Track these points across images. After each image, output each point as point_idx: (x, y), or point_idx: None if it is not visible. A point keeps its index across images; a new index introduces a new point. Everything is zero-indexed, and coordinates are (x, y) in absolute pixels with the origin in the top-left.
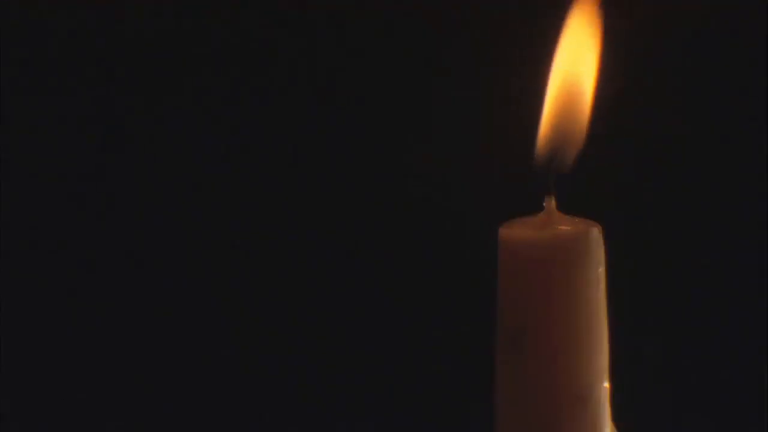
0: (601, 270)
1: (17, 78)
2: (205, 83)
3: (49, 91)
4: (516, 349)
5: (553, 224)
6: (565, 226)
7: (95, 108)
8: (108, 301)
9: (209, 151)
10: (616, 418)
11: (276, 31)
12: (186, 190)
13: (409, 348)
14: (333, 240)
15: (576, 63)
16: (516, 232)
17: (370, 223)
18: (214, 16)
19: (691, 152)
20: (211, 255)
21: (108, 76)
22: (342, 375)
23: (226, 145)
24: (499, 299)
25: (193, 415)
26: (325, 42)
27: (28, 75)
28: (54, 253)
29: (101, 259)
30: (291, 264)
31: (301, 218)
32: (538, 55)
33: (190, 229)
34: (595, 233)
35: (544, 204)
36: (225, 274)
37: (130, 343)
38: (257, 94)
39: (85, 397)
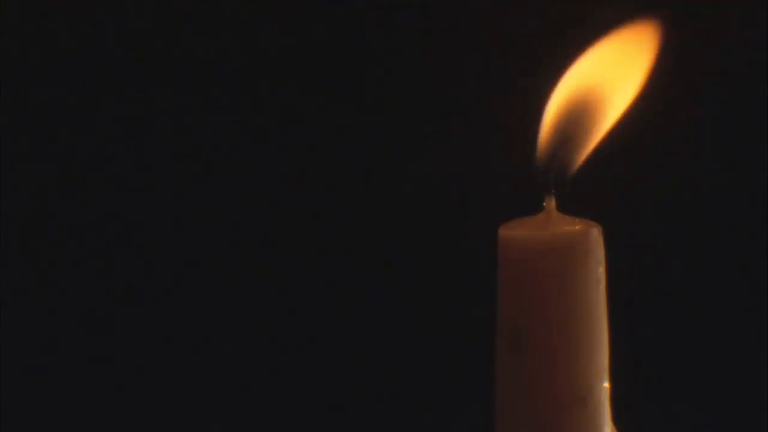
0: (601, 270)
1: (18, 79)
2: (220, 82)
3: (48, 91)
4: (516, 349)
5: (553, 224)
6: (565, 226)
7: (95, 107)
8: (107, 302)
9: (216, 151)
10: (616, 419)
11: (280, 32)
12: (211, 193)
13: (409, 348)
14: (333, 240)
15: (604, 75)
16: (516, 232)
17: (371, 223)
18: (225, 13)
19: (692, 152)
20: (213, 255)
21: (110, 76)
22: (342, 375)
23: (226, 142)
24: (499, 299)
25: (193, 415)
26: (327, 42)
27: (29, 76)
28: (54, 253)
29: (100, 260)
30: (291, 264)
31: (301, 218)
32: (539, 56)
33: (206, 230)
34: (595, 233)
35: (544, 204)
36: (225, 272)
37: (129, 343)
38: (259, 94)
39: (85, 397)
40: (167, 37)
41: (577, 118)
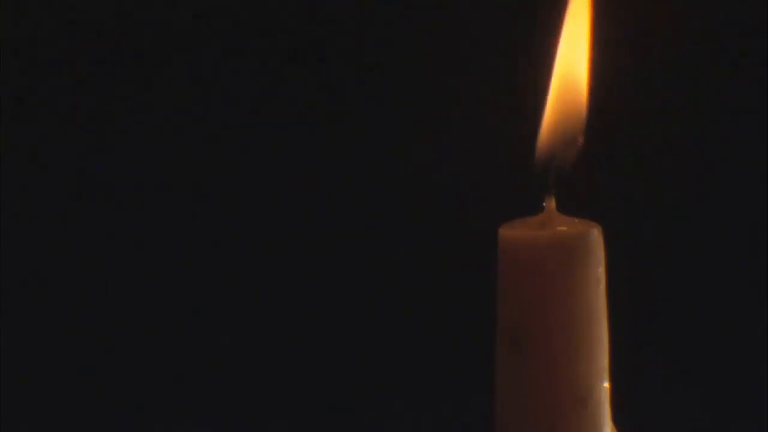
0: (601, 270)
1: (19, 78)
2: (219, 82)
3: (48, 90)
4: (516, 350)
5: (553, 224)
6: (565, 226)
7: (96, 108)
8: (107, 302)
9: (216, 150)
10: (616, 419)
11: (279, 31)
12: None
13: (409, 348)
14: (333, 240)
15: (573, 60)
16: (516, 232)
17: (371, 223)
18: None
19: (692, 152)
20: (212, 254)
21: (112, 75)
22: (341, 375)
23: (225, 142)
24: (499, 299)
25: (192, 416)
26: (327, 41)
27: (30, 75)
28: (54, 254)
29: (101, 260)
30: (290, 264)
31: (301, 219)
32: (540, 55)
33: (206, 230)
34: (595, 233)
35: (544, 204)
36: (225, 272)
37: (128, 343)
38: (258, 93)
39: (84, 397)
40: (165, 34)
41: (567, 111)
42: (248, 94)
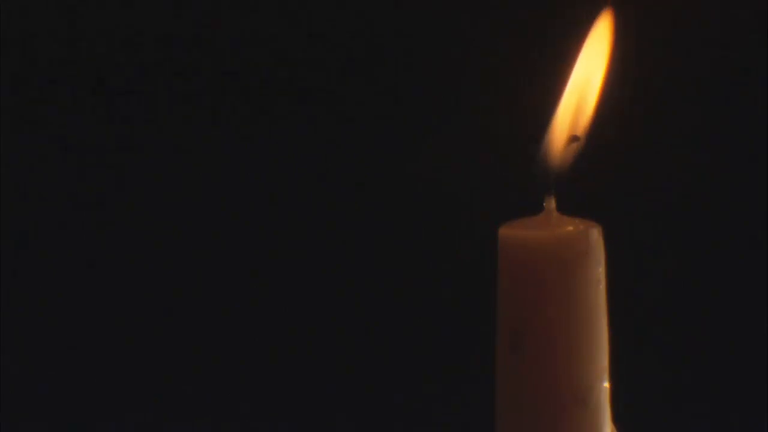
0: (601, 270)
1: (18, 78)
2: (220, 82)
3: (49, 91)
4: (516, 350)
5: (553, 225)
6: (565, 226)
7: (96, 107)
8: (108, 302)
9: (216, 151)
10: (616, 419)
11: (279, 32)
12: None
13: (409, 348)
14: (333, 240)
15: (590, 70)
16: (516, 232)
17: (371, 223)
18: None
19: (691, 152)
20: (213, 255)
21: (108, 75)
22: (342, 375)
23: (226, 143)
24: (499, 299)
25: (192, 416)
26: (328, 43)
27: (29, 76)
28: (54, 254)
29: (100, 260)
30: (291, 265)
31: (301, 219)
32: (540, 57)
33: (207, 230)
34: (595, 233)
35: (544, 204)
36: (225, 273)
37: (127, 342)
38: (258, 94)
39: (85, 397)
40: (165, 33)
41: (576, 113)
42: (248, 95)
